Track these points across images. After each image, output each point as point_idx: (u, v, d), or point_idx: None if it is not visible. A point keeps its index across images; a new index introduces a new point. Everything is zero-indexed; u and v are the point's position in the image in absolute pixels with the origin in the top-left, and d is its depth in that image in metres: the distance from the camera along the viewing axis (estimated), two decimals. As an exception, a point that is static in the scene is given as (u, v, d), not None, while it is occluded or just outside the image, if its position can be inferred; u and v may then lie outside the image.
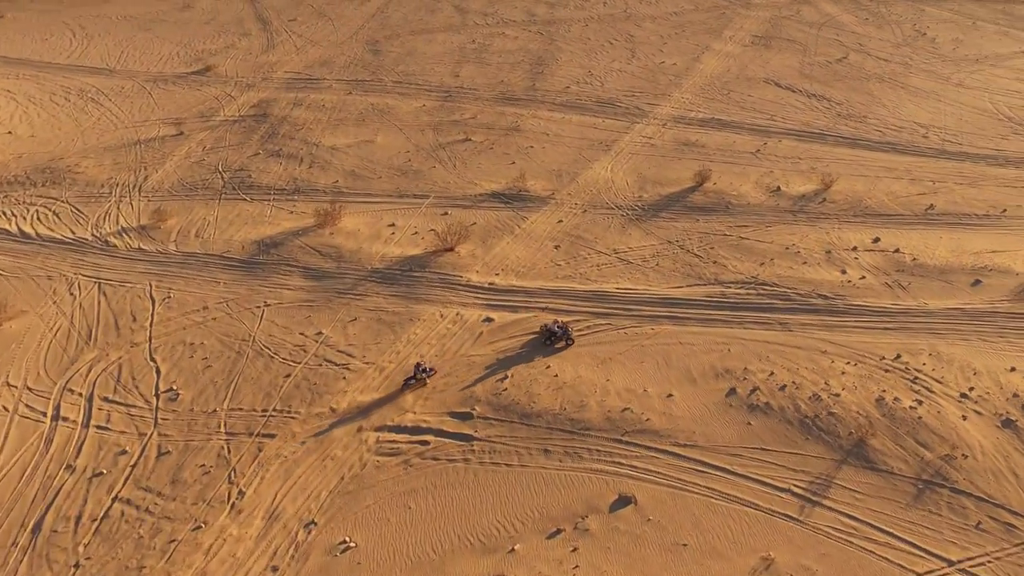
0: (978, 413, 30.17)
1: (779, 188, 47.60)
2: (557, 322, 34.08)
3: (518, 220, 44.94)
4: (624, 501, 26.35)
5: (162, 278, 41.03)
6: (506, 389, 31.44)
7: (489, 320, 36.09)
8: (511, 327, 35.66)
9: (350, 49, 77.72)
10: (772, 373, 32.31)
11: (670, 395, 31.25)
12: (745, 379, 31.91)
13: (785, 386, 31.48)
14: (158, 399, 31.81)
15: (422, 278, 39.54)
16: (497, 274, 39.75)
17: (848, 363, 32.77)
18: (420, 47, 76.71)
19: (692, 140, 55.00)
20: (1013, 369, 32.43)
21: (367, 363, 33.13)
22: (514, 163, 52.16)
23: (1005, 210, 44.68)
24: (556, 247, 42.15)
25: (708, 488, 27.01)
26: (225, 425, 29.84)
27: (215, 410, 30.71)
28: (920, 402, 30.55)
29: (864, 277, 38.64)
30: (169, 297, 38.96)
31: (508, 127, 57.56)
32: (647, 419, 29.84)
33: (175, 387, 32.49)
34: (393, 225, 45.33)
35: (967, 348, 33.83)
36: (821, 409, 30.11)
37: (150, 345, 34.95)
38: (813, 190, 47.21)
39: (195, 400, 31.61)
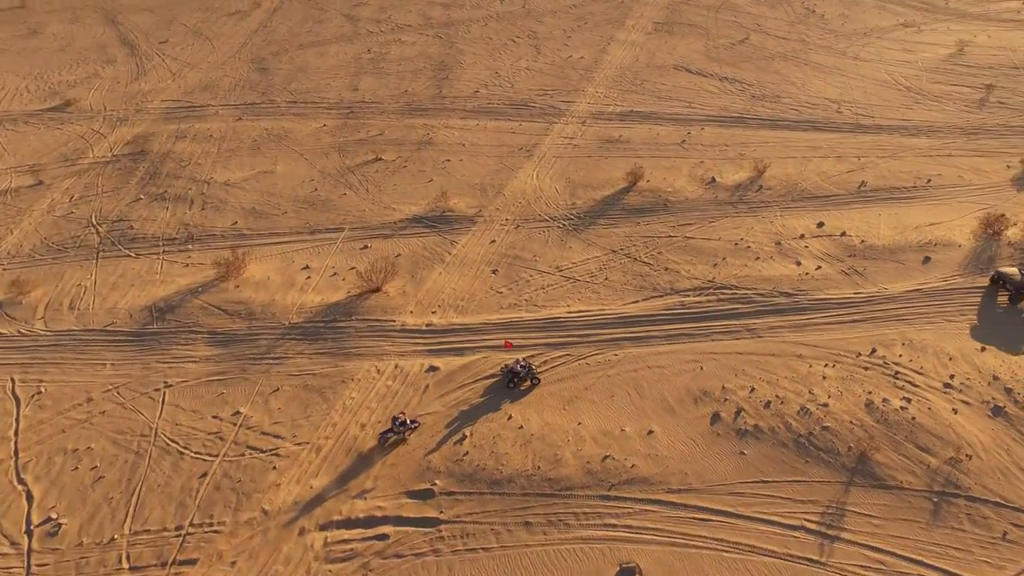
0: (966, 403, 28.29)
1: (714, 179, 45.18)
2: (519, 361, 29.93)
3: (447, 246, 40.44)
4: (628, 573, 22.54)
5: (29, 368, 32.97)
6: (467, 452, 27.07)
7: (434, 369, 31.57)
8: (460, 374, 31.27)
9: (234, 70, 70.53)
10: (753, 389, 29.42)
11: (651, 431, 27.79)
12: (726, 400, 28.85)
13: (770, 402, 28.61)
14: (30, 537, 24.06)
15: (349, 328, 34.46)
16: (434, 312, 35.20)
17: (826, 365, 30.31)
18: (312, 61, 70.49)
19: (615, 136, 52.01)
20: (983, 349, 30.89)
21: (299, 444, 27.93)
22: (432, 181, 47.54)
23: (929, 180, 43.90)
24: (494, 272, 37.95)
25: (715, 540, 23.65)
26: (128, 558, 23.46)
27: (113, 539, 23.64)
28: (908, 400, 28.37)
29: (820, 267, 36.51)
30: (40, 392, 31.10)
31: (420, 141, 52.82)
32: (632, 466, 26.22)
33: (55, 515, 24.83)
34: (308, 268, 39.89)
35: (936, 332, 32.11)
36: (813, 424, 27.38)
37: (16, 461, 27.07)
38: (748, 178, 45.05)
39: (84, 529, 24.12)
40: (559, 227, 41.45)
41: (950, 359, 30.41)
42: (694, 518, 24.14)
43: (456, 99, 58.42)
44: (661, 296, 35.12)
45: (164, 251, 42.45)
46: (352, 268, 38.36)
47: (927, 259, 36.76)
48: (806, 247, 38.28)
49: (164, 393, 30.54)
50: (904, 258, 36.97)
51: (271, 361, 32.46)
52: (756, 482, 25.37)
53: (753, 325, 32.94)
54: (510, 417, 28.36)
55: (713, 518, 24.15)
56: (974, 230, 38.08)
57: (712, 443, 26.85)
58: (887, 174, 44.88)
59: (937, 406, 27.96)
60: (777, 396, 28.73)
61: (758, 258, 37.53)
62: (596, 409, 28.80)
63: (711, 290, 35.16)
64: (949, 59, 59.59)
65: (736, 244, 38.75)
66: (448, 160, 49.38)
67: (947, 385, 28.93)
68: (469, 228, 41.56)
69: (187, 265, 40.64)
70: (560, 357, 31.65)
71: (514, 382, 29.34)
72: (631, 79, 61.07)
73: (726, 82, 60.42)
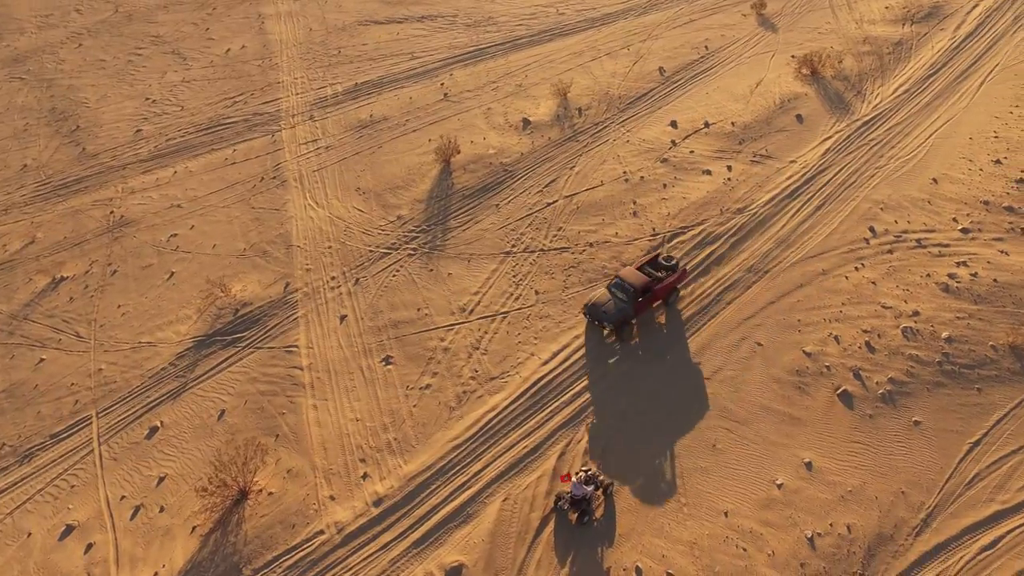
0: (1000, 240, 24.17)
1: (526, 120, 35.29)
2: (579, 477, 17.53)
3: (284, 359, 24.53)
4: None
5: None
6: None
7: (459, 572, 17.47)
8: (504, 546, 17.74)
9: None
10: (835, 337, 21.74)
11: (807, 462, 18.26)
12: (827, 367, 20.76)
13: (868, 342, 21.20)
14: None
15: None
16: (364, 475, 20.24)
17: (857, 269, 23.75)
18: None
19: (365, 118, 38.60)
20: (935, 181, 27.42)
21: None
22: (174, 274, 29.50)
23: (706, 47, 40.08)
24: (387, 362, 23.70)
25: None
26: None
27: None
28: (964, 263, 23.22)
29: (730, 167, 29.87)
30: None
31: (107, 227, 33.02)
32: (842, 525, 16.55)
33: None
34: (74, 526, 20.78)
35: (888, 184, 27.81)
36: (933, 343, 20.65)
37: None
38: (557, 105, 36.18)
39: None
40: (410, 254, 28.01)
41: (929, 203, 26.07)
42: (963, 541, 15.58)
43: (115, 152, 38.29)
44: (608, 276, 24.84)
45: None
46: (164, 477, 20.57)
47: (799, 117, 32.39)
48: (691, 152, 31.11)
49: None
50: (781, 124, 32.11)
51: None
52: (968, 451, 17.67)
53: (747, 263, 24.80)
54: None
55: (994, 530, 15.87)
56: (796, 76, 35.02)
57: (873, 430, 18.43)
58: (670, 54, 39.87)
59: (990, 256, 23.18)
60: (865, 330, 21.28)
61: (665, 185, 29.26)
62: (717, 483, 18.14)
63: (663, 244, 25.99)
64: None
65: (627, 180, 29.91)
66: (174, 236, 31.19)
67: (965, 231, 24.36)
68: (292, 316, 25.77)
69: None
70: (577, 434, 19.90)
71: (587, 513, 17.05)
72: (323, 51, 46.82)
73: (427, 20, 49.76)
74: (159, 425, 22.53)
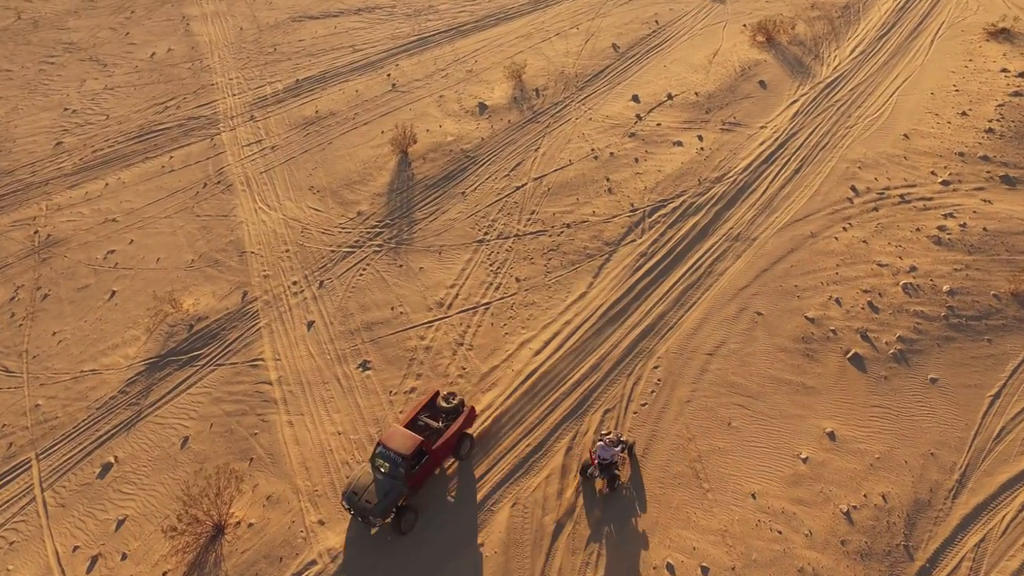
0: (981, 189, 23.72)
1: (482, 105, 33.48)
2: (601, 440, 16.36)
3: (251, 374, 22.05)
4: None
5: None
6: None
7: None
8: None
9: None
10: (836, 299, 20.77)
11: (830, 432, 17.10)
12: (833, 331, 19.71)
13: (871, 302, 20.20)
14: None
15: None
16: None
17: (845, 229, 22.91)
18: None
19: (311, 115, 36.13)
20: (906, 136, 26.91)
21: None
22: (115, 293, 26.54)
23: (656, 20, 39.13)
24: (365, 368, 21.55)
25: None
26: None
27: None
28: (952, 215, 22.63)
29: (700, 136, 28.72)
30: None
31: (33, 248, 29.63)
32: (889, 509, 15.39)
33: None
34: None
35: (862, 143, 27.17)
36: (936, 297, 19.82)
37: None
38: (513, 88, 34.46)
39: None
40: (376, 251, 25.84)
41: (905, 158, 25.47)
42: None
43: (34, 167, 34.65)
44: (606, 257, 23.36)
45: None
46: (124, 520, 17.92)
47: (762, 83, 31.51)
48: (659, 125, 29.86)
49: None
50: (745, 91, 31.19)
51: None
52: (989, 405, 16.82)
53: (734, 232, 23.64)
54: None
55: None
56: (752, 43, 34.32)
57: (891, 392, 17.45)
58: (622, 31, 38.71)
59: (974, 206, 22.61)
60: (865, 290, 20.30)
61: (637, 159, 27.89)
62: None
63: (644, 219, 24.60)
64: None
65: (596, 157, 28.41)
66: (112, 252, 28.12)
67: (946, 183, 23.80)
68: (254, 327, 23.29)
69: None
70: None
71: (616, 478, 16.04)
72: (257, 50, 43.88)
73: (365, 13, 47.35)
74: (113, 461, 19.75)
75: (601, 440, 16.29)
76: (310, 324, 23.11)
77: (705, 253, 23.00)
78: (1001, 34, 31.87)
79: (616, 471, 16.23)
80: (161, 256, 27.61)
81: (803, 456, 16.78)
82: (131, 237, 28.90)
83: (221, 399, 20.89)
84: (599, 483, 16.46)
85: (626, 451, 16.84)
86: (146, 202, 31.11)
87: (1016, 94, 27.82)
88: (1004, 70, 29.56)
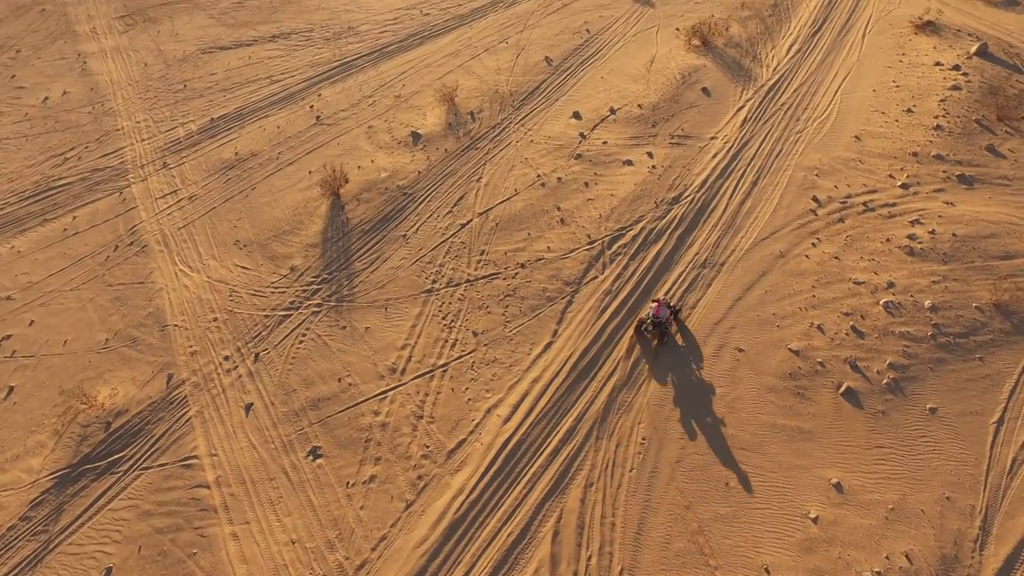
0: (940, 191, 22.64)
1: (415, 134, 30.90)
2: (656, 305, 18.22)
3: (188, 476, 18.90)
4: None
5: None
6: None
7: None
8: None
9: None
10: (818, 326, 19.09)
11: (836, 482, 15.37)
12: (820, 364, 18.02)
13: (854, 325, 18.65)
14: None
15: None
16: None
17: (814, 245, 21.39)
18: None
19: (230, 157, 32.80)
20: (857, 138, 25.80)
21: None
22: (14, 389, 22.68)
23: (587, 28, 37.40)
24: (315, 456, 18.76)
25: None
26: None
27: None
28: (919, 221, 21.41)
29: (650, 153, 26.85)
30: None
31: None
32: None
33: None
34: None
35: (815, 148, 25.92)
36: (920, 314, 18.44)
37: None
38: (445, 113, 32.04)
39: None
40: (315, 312, 22.93)
41: (861, 162, 24.25)
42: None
43: (-87, 242, 30.09)
44: (567, 299, 21.17)
45: None
46: None
47: (705, 90, 29.98)
48: (605, 143, 27.91)
49: None
50: (689, 100, 29.58)
51: None
52: (995, 434, 15.43)
53: (700, 258, 21.82)
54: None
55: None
56: (688, 48, 32.84)
57: (891, 428, 15.87)
58: (551, 42, 36.75)
59: (938, 209, 21.45)
60: (846, 313, 18.75)
61: (587, 184, 25.84)
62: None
63: (604, 251, 22.55)
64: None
65: (543, 184, 26.22)
66: (7, 338, 24.25)
67: (905, 186, 22.62)
68: (184, 418, 20.08)
69: None
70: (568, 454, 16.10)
71: (667, 335, 18.58)
72: (165, 87, 40.01)
73: (280, 39, 43.96)
74: (20, 611, 16.32)
75: (656, 302, 19.14)
76: (248, 407, 20.04)
77: (673, 284, 21.05)
78: (928, 27, 31.26)
79: (665, 329, 18.83)
80: (69, 338, 23.89)
81: (812, 515, 14.95)
82: (31, 317, 25.02)
83: (150, 512, 17.68)
84: (652, 339, 18.93)
85: (673, 315, 19.28)
86: (47, 273, 27.17)
87: (955, 88, 27.03)
88: (938, 63, 28.83)
